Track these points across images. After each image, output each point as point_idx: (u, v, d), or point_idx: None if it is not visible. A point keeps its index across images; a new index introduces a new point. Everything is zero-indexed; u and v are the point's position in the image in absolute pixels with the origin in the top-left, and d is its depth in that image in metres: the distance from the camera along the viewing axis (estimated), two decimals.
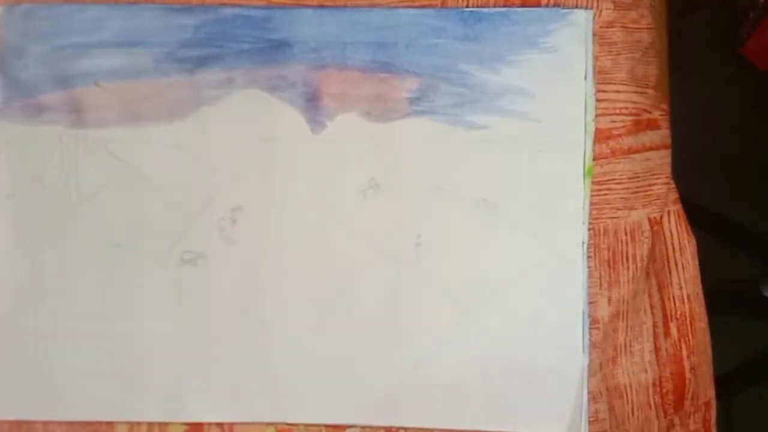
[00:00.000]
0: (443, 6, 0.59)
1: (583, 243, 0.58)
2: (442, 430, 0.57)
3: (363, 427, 0.58)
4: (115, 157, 0.59)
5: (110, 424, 0.59)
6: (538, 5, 0.59)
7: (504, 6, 0.59)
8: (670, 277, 0.59)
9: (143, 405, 0.59)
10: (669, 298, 0.58)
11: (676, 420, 0.57)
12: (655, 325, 0.58)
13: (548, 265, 0.58)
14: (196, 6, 0.60)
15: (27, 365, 0.59)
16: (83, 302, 0.59)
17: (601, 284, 0.58)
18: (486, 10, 0.59)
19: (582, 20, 0.58)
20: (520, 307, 0.57)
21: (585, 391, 0.57)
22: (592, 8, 0.59)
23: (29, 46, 0.60)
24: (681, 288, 0.58)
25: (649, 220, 0.58)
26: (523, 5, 0.59)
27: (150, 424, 0.59)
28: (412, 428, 0.58)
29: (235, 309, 0.58)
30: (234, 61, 0.59)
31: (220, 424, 0.58)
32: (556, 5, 0.59)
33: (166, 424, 0.59)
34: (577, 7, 0.59)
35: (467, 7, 0.59)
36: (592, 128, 0.58)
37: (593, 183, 0.58)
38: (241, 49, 0.59)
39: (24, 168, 0.60)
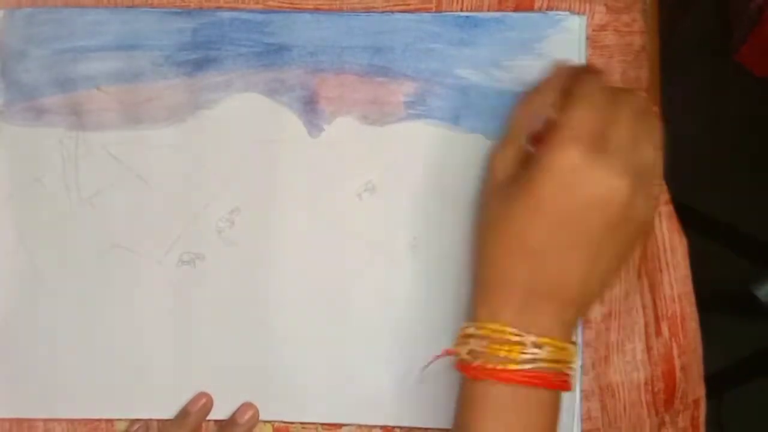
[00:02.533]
0: (438, 10, 0.60)
1: None
2: (439, 428, 0.58)
3: (359, 426, 0.58)
4: (115, 159, 0.60)
5: (110, 421, 0.59)
6: (532, 9, 0.60)
7: (498, 10, 0.60)
8: (662, 277, 0.59)
9: (142, 403, 0.59)
10: (660, 298, 0.59)
11: (667, 418, 0.58)
12: (646, 325, 0.58)
13: None
14: (195, 10, 0.60)
15: (27, 364, 0.59)
16: (83, 302, 0.59)
17: None
18: (481, 15, 0.60)
19: (576, 26, 0.59)
20: None
21: (578, 390, 0.57)
22: (584, 13, 0.59)
23: (30, 50, 0.60)
24: (672, 288, 0.59)
25: None
26: (516, 9, 0.60)
27: (149, 422, 0.59)
28: (408, 427, 0.58)
29: (232, 309, 0.59)
30: (232, 65, 0.60)
31: (218, 422, 0.59)
32: (549, 9, 0.60)
33: (165, 421, 0.59)
34: (570, 10, 0.59)
35: (462, 10, 0.60)
36: None
37: None
38: (239, 53, 0.60)
39: (25, 170, 0.60)
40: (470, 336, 0.49)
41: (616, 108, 0.48)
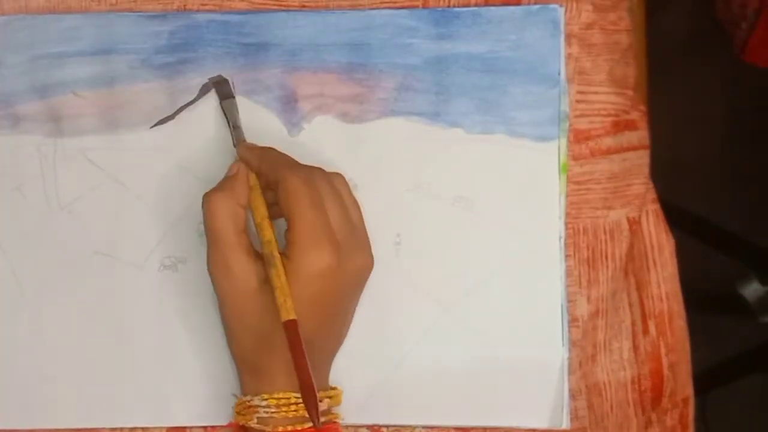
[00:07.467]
0: (425, 6, 0.60)
1: (560, 237, 0.58)
2: (425, 426, 0.58)
3: (346, 426, 0.58)
4: (94, 165, 0.59)
5: (96, 431, 0.59)
6: (519, 4, 0.59)
7: (485, 4, 0.59)
8: (649, 276, 0.59)
9: (128, 411, 0.58)
10: (647, 297, 0.59)
11: (654, 417, 0.58)
12: (633, 323, 0.58)
13: (526, 260, 0.58)
14: (170, 13, 0.60)
15: (9, 374, 0.59)
16: (65, 310, 0.59)
17: (580, 283, 0.58)
18: (459, 9, 0.59)
19: (554, 17, 0.59)
20: (500, 302, 0.58)
21: (566, 383, 0.57)
22: (563, 5, 0.59)
23: (6, 57, 0.60)
24: (659, 286, 0.59)
25: (628, 219, 0.59)
26: (503, 2, 0.59)
27: (133, 430, 0.58)
28: (395, 426, 0.58)
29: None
30: (210, 66, 0.59)
31: (204, 428, 0.58)
32: (536, 3, 0.59)
33: (151, 429, 0.58)
34: (549, 3, 0.59)
35: (449, 6, 0.60)
36: (566, 123, 0.58)
37: (573, 183, 0.59)
38: (216, 54, 0.59)
39: (3, 178, 0.59)
40: (255, 406, 0.51)
41: (322, 187, 0.52)
